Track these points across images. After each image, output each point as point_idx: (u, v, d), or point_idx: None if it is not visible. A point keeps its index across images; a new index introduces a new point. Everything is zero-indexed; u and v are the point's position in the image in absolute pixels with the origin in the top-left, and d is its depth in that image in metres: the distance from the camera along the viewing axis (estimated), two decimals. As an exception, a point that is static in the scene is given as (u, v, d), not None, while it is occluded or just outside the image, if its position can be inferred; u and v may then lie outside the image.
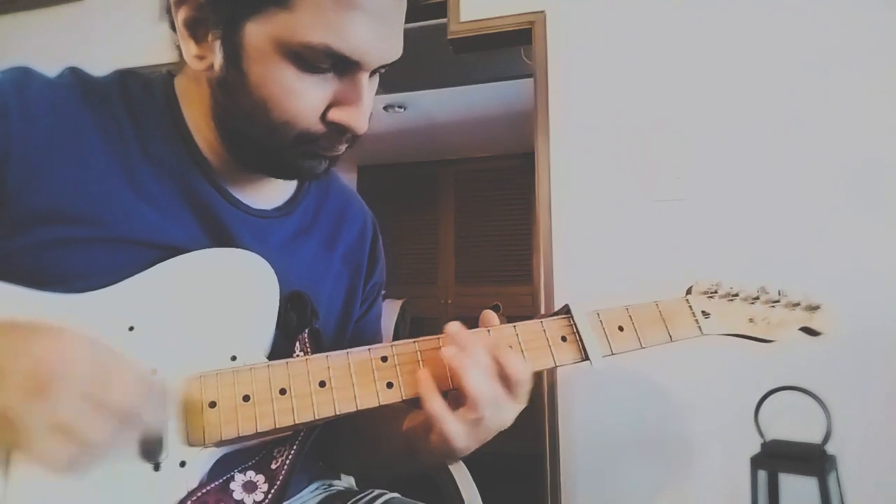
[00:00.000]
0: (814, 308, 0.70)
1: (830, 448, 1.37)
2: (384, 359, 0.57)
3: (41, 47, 2.34)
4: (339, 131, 0.59)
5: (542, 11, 1.91)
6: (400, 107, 3.77)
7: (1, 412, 0.41)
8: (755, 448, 1.43)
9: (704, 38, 1.77)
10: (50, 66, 0.64)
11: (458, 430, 0.53)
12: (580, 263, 1.80)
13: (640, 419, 1.69)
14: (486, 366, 0.53)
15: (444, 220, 4.72)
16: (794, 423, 1.46)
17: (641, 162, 1.78)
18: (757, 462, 1.41)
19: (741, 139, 1.71)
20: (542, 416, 1.75)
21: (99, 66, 0.69)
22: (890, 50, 1.62)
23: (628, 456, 1.70)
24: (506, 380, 0.54)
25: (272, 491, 0.55)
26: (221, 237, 0.63)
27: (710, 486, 1.63)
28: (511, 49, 2.36)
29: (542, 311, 1.81)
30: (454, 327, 0.55)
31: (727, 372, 1.57)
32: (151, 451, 0.50)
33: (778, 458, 1.40)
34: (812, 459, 1.35)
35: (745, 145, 1.71)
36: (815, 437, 1.38)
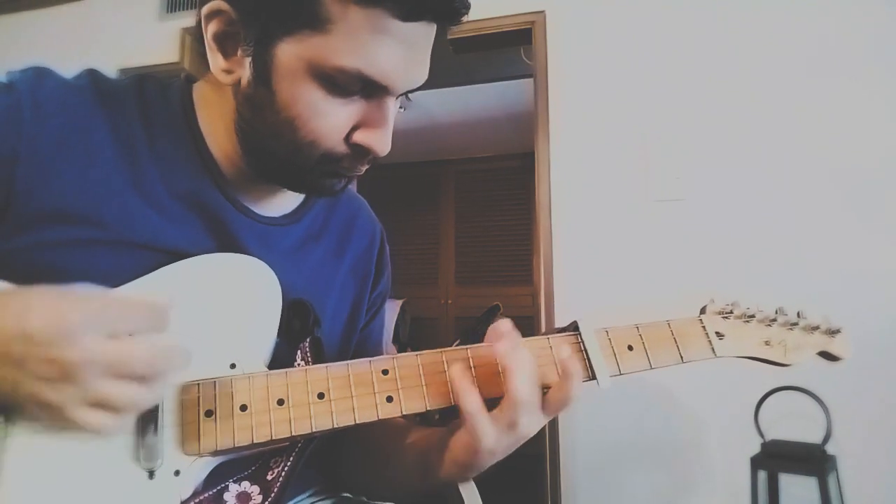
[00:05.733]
0: (834, 332, 0.67)
1: (830, 448, 1.37)
2: (385, 372, 0.56)
3: (43, 47, 2.34)
4: (362, 153, 0.60)
5: (542, 11, 1.91)
6: (400, 107, 3.76)
7: (34, 398, 0.42)
8: (755, 448, 1.43)
9: (704, 38, 1.77)
10: (52, 66, 0.64)
11: (490, 432, 0.52)
12: (580, 264, 1.80)
13: (640, 420, 1.69)
14: (532, 371, 0.53)
15: (444, 220, 4.72)
16: (794, 423, 1.47)
17: (641, 162, 1.78)
18: (757, 462, 1.41)
19: (741, 139, 1.71)
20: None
21: (100, 65, 0.69)
22: (891, 51, 1.62)
23: (628, 456, 1.70)
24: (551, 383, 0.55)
25: (266, 503, 0.55)
26: (227, 243, 0.63)
27: (710, 487, 1.63)
28: (511, 49, 2.36)
29: (543, 312, 1.81)
30: (507, 325, 0.55)
31: (727, 372, 1.57)
32: (150, 441, 0.50)
33: (778, 458, 1.40)
34: (812, 459, 1.35)
35: (744, 145, 1.71)
36: (815, 437, 1.38)
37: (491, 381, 0.55)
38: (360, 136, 0.58)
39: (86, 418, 0.43)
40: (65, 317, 0.42)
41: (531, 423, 0.54)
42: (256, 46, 0.55)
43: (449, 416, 0.57)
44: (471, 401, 0.52)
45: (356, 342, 0.77)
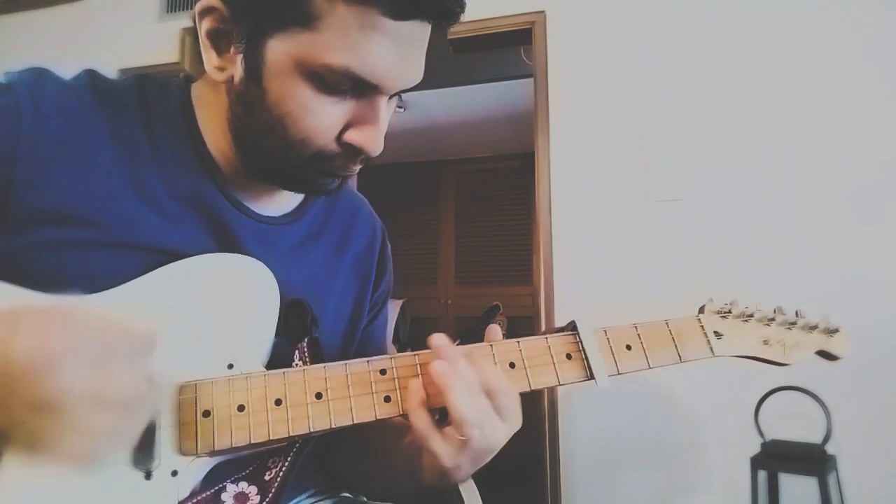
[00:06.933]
0: (832, 331, 0.67)
1: (830, 448, 1.37)
2: (383, 371, 0.55)
3: (43, 47, 2.34)
4: (354, 152, 0.59)
5: (542, 11, 1.91)
6: (400, 107, 3.78)
7: (19, 428, 0.41)
8: (755, 448, 1.43)
9: (704, 38, 1.77)
10: (51, 66, 0.64)
11: (444, 450, 0.51)
12: (580, 263, 1.80)
13: (640, 419, 1.69)
14: (472, 384, 0.51)
15: (444, 220, 4.72)
16: (794, 423, 1.47)
17: (641, 162, 1.78)
18: (757, 462, 1.41)
19: (741, 139, 1.71)
20: (542, 416, 1.75)
21: (100, 65, 0.69)
22: (891, 51, 1.62)
23: (628, 456, 1.70)
24: (492, 395, 0.52)
25: (264, 503, 0.55)
26: (227, 243, 0.63)
27: (710, 487, 1.63)
28: (511, 49, 2.36)
29: (543, 312, 1.81)
30: (440, 340, 0.53)
31: (727, 372, 1.57)
32: (147, 442, 0.49)
33: (778, 458, 1.40)
34: (812, 459, 1.35)
35: (744, 145, 1.71)
36: (815, 437, 1.38)
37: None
38: (351, 136, 0.58)
39: (71, 449, 0.42)
40: (48, 345, 0.40)
41: (489, 433, 0.52)
42: (248, 44, 0.55)
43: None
44: (418, 421, 0.51)
45: (359, 341, 0.77)
